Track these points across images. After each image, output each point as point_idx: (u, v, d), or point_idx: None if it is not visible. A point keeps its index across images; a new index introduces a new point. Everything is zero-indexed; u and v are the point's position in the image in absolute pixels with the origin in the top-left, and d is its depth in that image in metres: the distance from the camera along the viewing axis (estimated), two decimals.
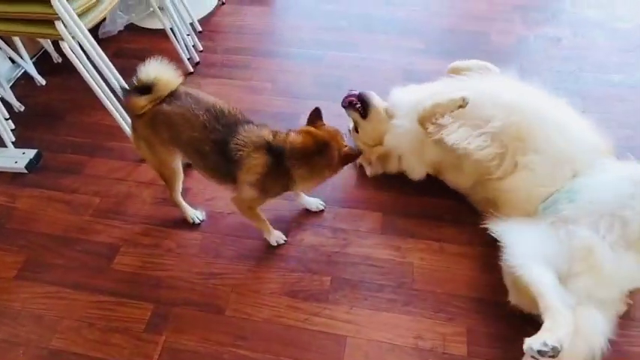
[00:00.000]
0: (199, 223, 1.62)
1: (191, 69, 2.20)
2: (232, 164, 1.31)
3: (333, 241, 1.56)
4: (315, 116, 1.41)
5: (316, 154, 1.33)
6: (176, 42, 2.11)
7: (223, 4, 2.60)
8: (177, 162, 1.49)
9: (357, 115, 1.70)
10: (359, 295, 1.42)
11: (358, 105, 1.69)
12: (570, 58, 2.14)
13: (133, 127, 1.45)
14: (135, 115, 1.39)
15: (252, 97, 2.08)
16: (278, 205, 1.66)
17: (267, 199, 1.42)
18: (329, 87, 2.09)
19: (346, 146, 1.37)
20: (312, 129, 1.37)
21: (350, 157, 1.38)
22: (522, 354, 1.07)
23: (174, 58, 2.17)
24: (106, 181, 1.79)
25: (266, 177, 1.32)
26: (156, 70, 1.32)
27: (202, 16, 2.49)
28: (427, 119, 1.45)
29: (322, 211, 1.64)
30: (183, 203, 1.61)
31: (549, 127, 1.36)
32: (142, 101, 1.33)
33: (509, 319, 1.31)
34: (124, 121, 1.78)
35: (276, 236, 1.55)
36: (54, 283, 1.50)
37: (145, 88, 1.31)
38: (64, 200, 1.74)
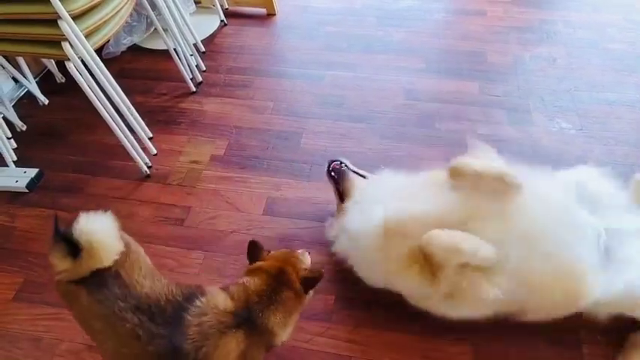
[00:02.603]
0: None
1: (194, 89, 2.22)
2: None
3: (336, 259, 1.55)
4: (255, 250, 1.19)
5: (280, 289, 1.09)
6: (179, 62, 2.13)
7: (225, 25, 2.64)
8: None
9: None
10: (364, 315, 1.40)
11: None
12: (566, 78, 2.18)
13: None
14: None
15: (254, 116, 2.10)
16: (279, 223, 1.66)
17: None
18: (330, 106, 2.11)
19: (305, 269, 1.16)
20: (260, 264, 1.15)
21: (311, 279, 1.12)
22: None
23: (177, 77, 2.22)
24: (107, 200, 1.78)
25: (247, 352, 1.02)
26: (97, 234, 0.98)
27: (205, 36, 2.52)
28: (431, 258, 1.13)
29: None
30: None
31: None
32: (63, 264, 0.99)
33: (517, 337, 1.30)
34: (127, 141, 1.78)
35: None
36: (53, 304, 1.47)
37: (76, 247, 0.98)
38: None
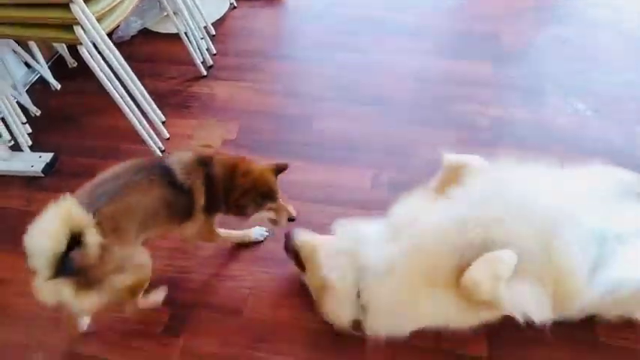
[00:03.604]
0: None
1: (204, 72, 2.21)
2: (185, 190, 1.25)
3: None
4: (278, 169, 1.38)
5: (227, 188, 1.30)
6: (190, 46, 2.12)
7: (235, 7, 2.61)
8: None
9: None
10: None
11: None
12: (580, 59, 2.14)
13: (92, 280, 1.09)
14: (92, 264, 1.06)
15: (264, 100, 2.09)
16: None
17: (215, 217, 1.37)
18: (340, 89, 2.10)
19: (247, 203, 1.31)
20: (243, 165, 1.33)
21: (245, 208, 1.32)
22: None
23: (187, 61, 2.21)
24: None
25: (208, 190, 1.28)
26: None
27: (215, 19, 2.50)
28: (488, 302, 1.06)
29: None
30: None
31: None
32: (92, 250, 1.03)
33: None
34: (140, 125, 1.79)
35: (256, 233, 1.55)
36: None
37: (72, 243, 1.01)
38: None
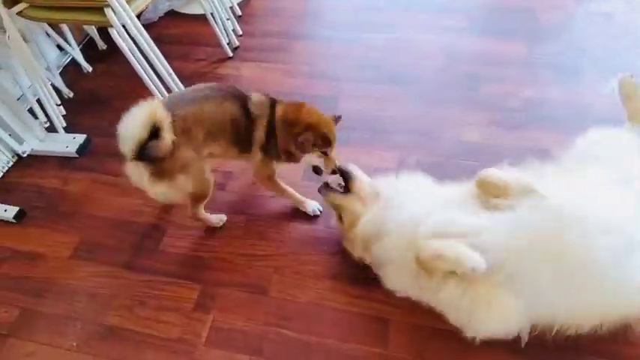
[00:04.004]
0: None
1: (230, 53, 2.21)
2: (250, 123, 1.39)
3: None
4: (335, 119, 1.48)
5: (289, 123, 1.39)
6: (216, 27, 2.12)
7: None
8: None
9: (337, 197, 1.42)
10: None
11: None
12: (624, 34, 2.03)
13: (163, 172, 1.31)
14: (169, 154, 1.28)
15: (290, 81, 2.08)
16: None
17: (272, 163, 1.49)
18: (367, 69, 2.06)
19: (309, 138, 1.36)
20: (308, 107, 1.42)
21: (302, 144, 1.38)
22: None
23: (214, 43, 2.21)
24: None
25: (267, 134, 1.41)
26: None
27: (240, 0, 2.49)
28: (424, 265, 1.14)
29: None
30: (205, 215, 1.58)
31: None
32: (166, 142, 1.24)
33: None
34: None
35: (312, 205, 1.59)
36: (106, 262, 1.57)
37: (153, 134, 1.23)
38: (113, 183, 1.80)
